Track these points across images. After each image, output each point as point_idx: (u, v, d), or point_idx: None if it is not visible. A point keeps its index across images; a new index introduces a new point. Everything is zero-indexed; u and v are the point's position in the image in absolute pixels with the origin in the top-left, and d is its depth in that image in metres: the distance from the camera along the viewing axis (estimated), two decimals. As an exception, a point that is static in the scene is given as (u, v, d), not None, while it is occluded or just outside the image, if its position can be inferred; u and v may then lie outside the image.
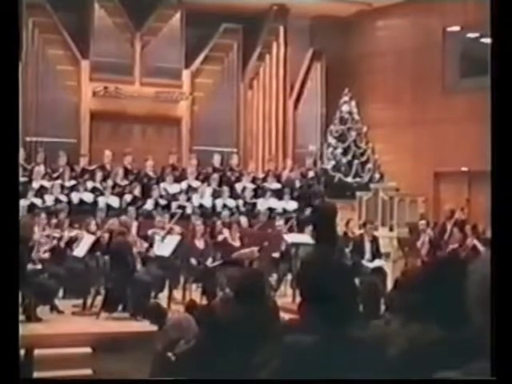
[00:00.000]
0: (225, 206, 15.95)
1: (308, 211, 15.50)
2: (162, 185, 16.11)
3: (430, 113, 18.00)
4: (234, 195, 16.43)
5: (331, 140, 17.82)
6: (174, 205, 15.43)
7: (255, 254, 12.78)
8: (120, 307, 11.03)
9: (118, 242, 11.32)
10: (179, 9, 18.69)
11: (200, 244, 12.84)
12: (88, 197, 15.25)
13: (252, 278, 5.42)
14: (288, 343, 2.75)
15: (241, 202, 16.31)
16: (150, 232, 13.18)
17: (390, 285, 9.65)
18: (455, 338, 2.57)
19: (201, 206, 15.77)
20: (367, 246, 13.11)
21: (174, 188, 16.12)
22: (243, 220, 14.68)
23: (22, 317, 9.70)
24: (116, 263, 11.13)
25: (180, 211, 14.82)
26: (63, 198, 14.97)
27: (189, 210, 15.45)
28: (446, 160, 17.53)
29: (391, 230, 14.87)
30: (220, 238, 13.21)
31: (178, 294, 12.11)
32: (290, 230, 14.38)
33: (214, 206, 15.94)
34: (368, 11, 19.67)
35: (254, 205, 16.33)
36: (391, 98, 19.13)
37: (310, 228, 14.18)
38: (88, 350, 9.28)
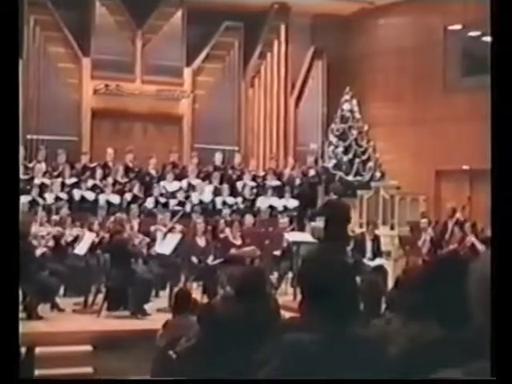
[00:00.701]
0: (226, 204, 15.96)
1: (318, 208, 15.49)
2: (163, 183, 16.12)
3: (431, 111, 17.99)
4: (235, 193, 16.45)
5: (332, 138, 17.80)
6: (174, 203, 15.45)
7: (257, 252, 12.79)
8: (121, 305, 11.04)
9: (119, 239, 11.32)
10: (180, 7, 18.69)
11: (201, 242, 12.84)
12: (89, 194, 15.26)
13: (253, 276, 5.42)
14: (289, 341, 2.75)
15: (242, 200, 16.33)
16: (152, 228, 13.19)
17: (390, 283, 9.65)
18: (456, 338, 2.57)
19: (202, 203, 15.78)
20: (368, 245, 13.11)
21: (174, 186, 16.13)
22: (244, 218, 14.69)
23: (22, 315, 9.71)
24: (117, 261, 11.13)
25: (181, 209, 14.82)
26: (64, 195, 14.98)
27: (190, 208, 15.46)
28: (447, 158, 17.52)
29: (392, 228, 14.87)
30: (221, 236, 13.21)
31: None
32: (293, 229, 14.43)
33: (214, 204, 15.95)
34: (369, 10, 19.67)
35: (255, 203, 16.35)
36: (392, 97, 19.12)
37: (311, 226, 14.24)
38: (89, 348, 9.28)
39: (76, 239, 12.55)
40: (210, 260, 12.46)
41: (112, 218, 12.34)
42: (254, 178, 17.21)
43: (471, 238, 13.31)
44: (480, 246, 12.75)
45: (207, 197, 16.01)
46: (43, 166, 15.87)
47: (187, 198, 15.78)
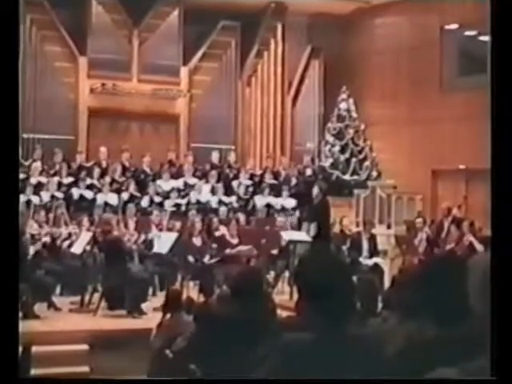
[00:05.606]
0: (223, 202, 15.95)
1: (305, 207, 15.51)
2: (159, 182, 16.11)
3: (427, 111, 18.00)
4: (231, 192, 16.44)
5: (329, 137, 17.81)
6: (171, 202, 15.43)
7: (254, 251, 12.80)
8: (118, 304, 11.04)
9: (115, 239, 11.32)
10: (177, 6, 18.67)
11: (197, 241, 12.85)
12: (86, 193, 15.24)
13: (249, 275, 5.42)
14: (285, 341, 2.76)
15: (237, 198, 16.31)
16: (150, 235, 13.13)
17: (387, 282, 9.68)
18: (452, 336, 2.58)
19: (199, 202, 15.77)
20: (365, 244, 13.12)
21: (171, 185, 16.11)
22: (241, 217, 14.69)
23: (19, 314, 9.71)
24: (113, 260, 11.12)
25: (172, 209, 14.79)
26: (60, 194, 14.96)
27: (186, 208, 15.45)
28: (443, 158, 17.53)
29: (389, 227, 14.90)
30: (218, 234, 13.22)
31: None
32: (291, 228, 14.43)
33: (211, 203, 15.94)
34: (366, 9, 19.67)
35: (252, 202, 16.34)
36: (389, 96, 19.12)
37: (306, 224, 14.25)
38: (85, 347, 9.29)
39: (73, 238, 12.54)
40: (206, 259, 12.46)
41: (106, 217, 12.35)
42: (251, 177, 17.20)
43: (469, 238, 13.28)
44: (478, 246, 12.74)
45: (204, 196, 15.99)
46: (39, 164, 15.84)
47: (185, 197, 15.77)
